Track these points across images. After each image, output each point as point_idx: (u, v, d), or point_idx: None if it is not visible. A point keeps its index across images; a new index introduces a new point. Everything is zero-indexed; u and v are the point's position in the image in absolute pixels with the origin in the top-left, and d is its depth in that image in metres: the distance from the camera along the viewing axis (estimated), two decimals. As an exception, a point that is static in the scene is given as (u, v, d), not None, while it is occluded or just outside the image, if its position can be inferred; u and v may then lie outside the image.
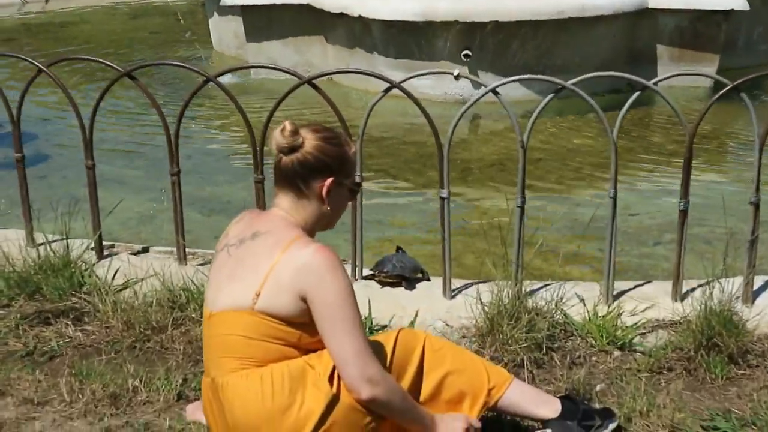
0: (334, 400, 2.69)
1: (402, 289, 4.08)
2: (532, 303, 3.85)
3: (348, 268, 4.15)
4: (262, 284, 2.70)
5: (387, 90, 3.85)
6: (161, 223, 5.38)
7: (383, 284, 4.10)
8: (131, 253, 4.50)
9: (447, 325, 3.88)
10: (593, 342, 3.76)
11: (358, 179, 3.78)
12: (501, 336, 3.68)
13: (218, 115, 8.10)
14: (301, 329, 2.73)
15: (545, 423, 3.06)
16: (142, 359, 3.76)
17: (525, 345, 3.64)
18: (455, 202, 6.06)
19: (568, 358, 3.68)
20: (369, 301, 3.96)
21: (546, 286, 4.07)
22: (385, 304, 3.99)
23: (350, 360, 2.67)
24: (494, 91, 3.76)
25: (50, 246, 4.30)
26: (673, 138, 7.62)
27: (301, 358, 2.74)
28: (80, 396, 3.43)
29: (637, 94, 3.79)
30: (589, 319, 3.83)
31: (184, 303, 3.94)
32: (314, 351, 2.76)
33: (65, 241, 4.31)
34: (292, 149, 2.77)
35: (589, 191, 6.43)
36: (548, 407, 3.07)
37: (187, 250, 4.37)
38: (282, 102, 3.95)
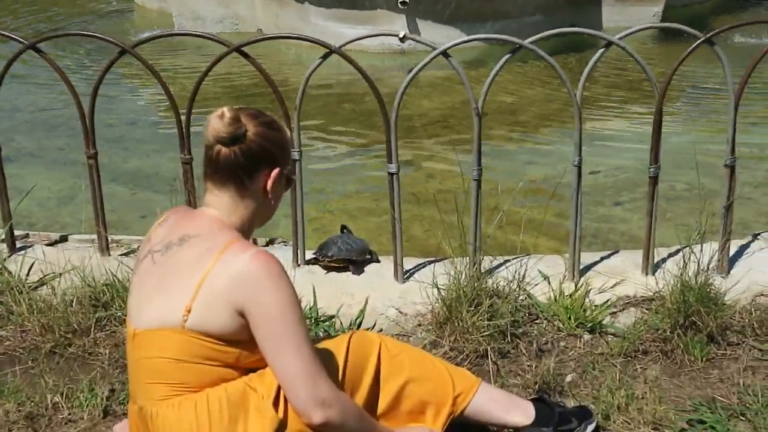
0: (281, 427, 2.34)
1: (349, 273, 3.72)
2: (493, 284, 3.52)
3: (288, 252, 3.79)
4: (192, 298, 2.32)
5: (325, 56, 3.45)
6: (82, 203, 4.95)
7: (328, 269, 3.73)
8: (47, 244, 4.06)
9: (400, 312, 3.54)
10: (561, 325, 3.44)
11: (296, 155, 3.43)
12: (460, 324, 3.34)
13: (142, 78, 7.61)
14: (239, 347, 2.36)
15: (518, 431, 2.74)
16: (63, 367, 3.36)
17: (487, 333, 3.31)
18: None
19: (534, 345, 3.35)
20: (313, 288, 3.60)
21: (506, 262, 3.74)
22: (332, 291, 3.63)
23: (298, 380, 2.31)
24: (445, 54, 3.38)
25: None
26: (622, 85, 7.33)
27: (240, 380, 2.38)
28: (-9, 417, 3.04)
29: (602, 51, 3.43)
30: (555, 299, 3.52)
31: (108, 301, 3.55)
32: (255, 370, 2.40)
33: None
34: (235, 139, 2.38)
35: (539, 147, 6.10)
36: (520, 413, 2.75)
37: (110, 238, 3.95)
38: (210, 71, 3.54)
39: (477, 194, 3.52)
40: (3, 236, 3.96)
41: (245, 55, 3.46)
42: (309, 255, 3.82)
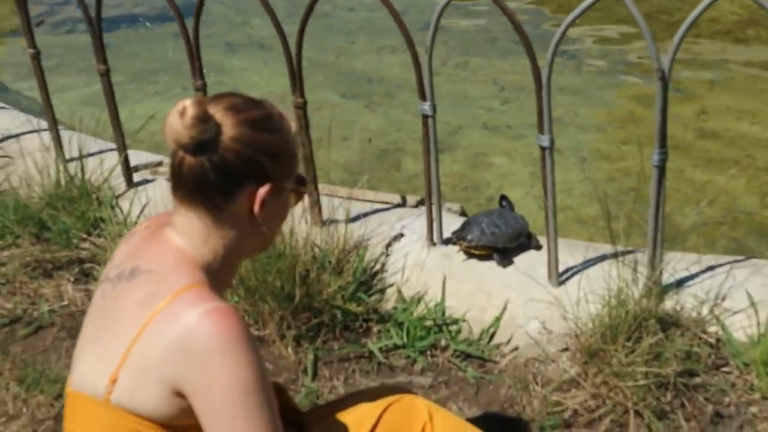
0: None
1: (493, 263, 2.89)
2: (676, 303, 2.60)
3: (420, 223, 3.00)
4: (119, 365, 1.64)
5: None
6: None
7: (468, 255, 2.93)
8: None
9: (545, 328, 2.70)
10: (755, 382, 2.47)
11: (429, 110, 2.63)
12: (612, 361, 2.47)
13: None
14: (185, 432, 1.68)
15: None
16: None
17: (644, 384, 2.41)
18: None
19: (710, 408, 2.43)
20: (444, 279, 2.84)
21: (707, 271, 2.77)
22: (466, 285, 2.85)
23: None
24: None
25: (83, 162, 3.40)
26: None
27: (189, 476, 1.70)
28: (24, 409, 2.59)
29: None
30: (758, 340, 2.52)
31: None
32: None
33: (95, 157, 3.42)
34: (202, 146, 1.63)
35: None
36: None
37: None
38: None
39: (658, 186, 2.56)
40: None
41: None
42: (451, 231, 3.03)
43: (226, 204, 1.67)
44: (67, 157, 3.53)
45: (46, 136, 3.64)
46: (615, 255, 2.83)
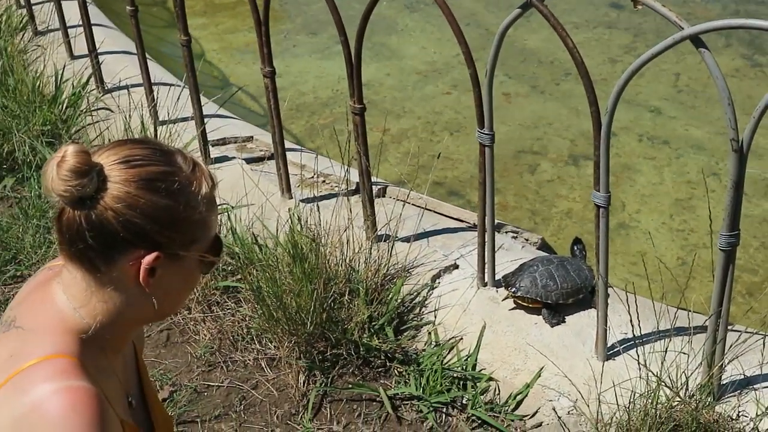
0: None
1: (540, 318, 2.53)
2: (732, 408, 2.18)
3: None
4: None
5: (524, 6, 2.20)
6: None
7: (517, 304, 2.58)
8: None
9: (575, 408, 2.33)
10: None
11: (486, 139, 2.31)
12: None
13: None
14: None
15: None
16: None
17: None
18: None
19: None
20: (483, 328, 2.52)
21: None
22: (504, 340, 2.51)
23: None
24: (695, 40, 1.98)
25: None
26: None
27: None
28: None
29: None
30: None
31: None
32: None
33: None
34: (80, 201, 1.41)
35: None
36: None
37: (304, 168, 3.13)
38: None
39: (724, 273, 2.12)
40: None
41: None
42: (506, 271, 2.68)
43: (107, 267, 1.44)
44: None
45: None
46: (682, 331, 2.42)
